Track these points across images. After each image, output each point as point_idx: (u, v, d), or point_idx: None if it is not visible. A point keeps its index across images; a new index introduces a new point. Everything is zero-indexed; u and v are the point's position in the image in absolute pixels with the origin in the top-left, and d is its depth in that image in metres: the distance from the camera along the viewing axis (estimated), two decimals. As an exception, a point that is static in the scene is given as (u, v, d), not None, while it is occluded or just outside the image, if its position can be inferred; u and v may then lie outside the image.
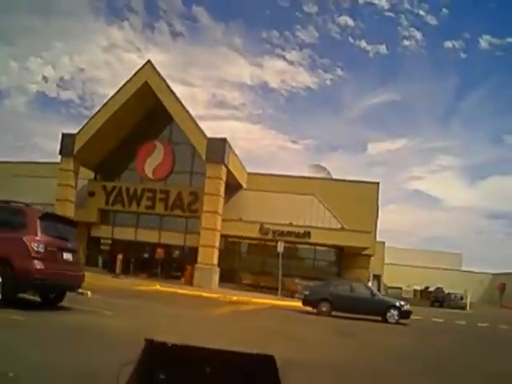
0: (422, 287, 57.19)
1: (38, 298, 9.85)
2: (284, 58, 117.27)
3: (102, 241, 30.83)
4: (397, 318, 17.11)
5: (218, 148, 27.16)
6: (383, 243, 55.65)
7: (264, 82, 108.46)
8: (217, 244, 27.15)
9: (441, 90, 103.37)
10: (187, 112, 28.72)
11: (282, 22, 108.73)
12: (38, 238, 8.18)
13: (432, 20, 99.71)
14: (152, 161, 30.55)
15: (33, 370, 4.66)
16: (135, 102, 29.16)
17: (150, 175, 30.52)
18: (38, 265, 8.04)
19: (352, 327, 14.57)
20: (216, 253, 27.07)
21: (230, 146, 28.17)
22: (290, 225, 28.62)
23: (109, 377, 2.04)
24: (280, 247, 24.78)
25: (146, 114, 30.47)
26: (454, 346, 12.44)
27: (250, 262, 30.51)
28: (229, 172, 28.43)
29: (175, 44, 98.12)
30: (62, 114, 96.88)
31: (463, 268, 73.74)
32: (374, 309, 17.49)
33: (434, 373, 7.53)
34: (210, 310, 15.19)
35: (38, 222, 8.36)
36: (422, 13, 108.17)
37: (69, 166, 28.99)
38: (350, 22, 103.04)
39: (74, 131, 29.43)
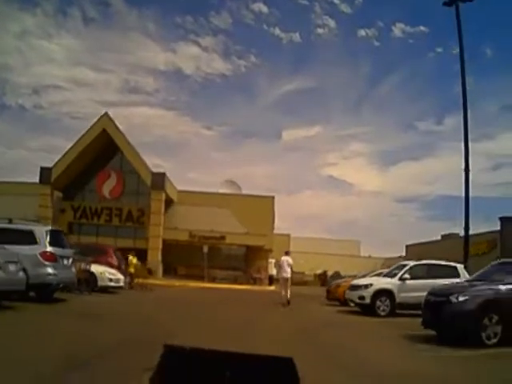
0: (321, 271, 71.64)
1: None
2: (198, 44, 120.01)
3: (70, 246, 43.51)
4: None
5: (159, 179, 40.75)
6: (288, 235, 70.50)
7: (178, 68, 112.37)
8: (160, 246, 40.82)
9: (354, 77, 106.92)
10: (136, 151, 42.00)
11: (196, 7, 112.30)
12: (114, 260, 21.70)
13: (346, 8, 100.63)
14: (108, 185, 43.39)
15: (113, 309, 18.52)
16: (96, 142, 41.80)
17: (107, 196, 43.41)
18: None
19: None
20: (160, 253, 40.73)
21: (167, 177, 41.79)
22: (211, 231, 42.57)
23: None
24: (205, 248, 38.98)
25: (103, 150, 43.13)
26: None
27: (183, 258, 44.07)
28: (166, 194, 42.06)
29: (87, 30, 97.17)
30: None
31: (362, 254, 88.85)
32: None
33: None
34: (166, 289, 28.97)
35: (113, 252, 21.90)
36: (336, 1, 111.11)
37: (47, 191, 41.23)
38: (264, 8, 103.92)
39: None
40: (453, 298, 9.68)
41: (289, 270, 19.93)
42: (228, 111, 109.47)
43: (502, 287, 9.83)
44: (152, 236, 40.57)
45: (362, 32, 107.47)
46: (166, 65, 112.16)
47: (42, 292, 13.61)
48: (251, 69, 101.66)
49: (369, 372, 6.99)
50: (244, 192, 50.22)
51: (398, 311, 15.84)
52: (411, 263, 16.51)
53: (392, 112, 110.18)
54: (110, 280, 18.78)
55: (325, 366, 7.42)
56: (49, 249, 13.24)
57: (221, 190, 48.74)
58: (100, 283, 18.31)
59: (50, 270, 13.15)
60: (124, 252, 42.73)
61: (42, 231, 13.49)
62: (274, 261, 53.07)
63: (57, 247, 13.68)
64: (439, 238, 57.25)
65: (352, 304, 19.16)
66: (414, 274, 15.82)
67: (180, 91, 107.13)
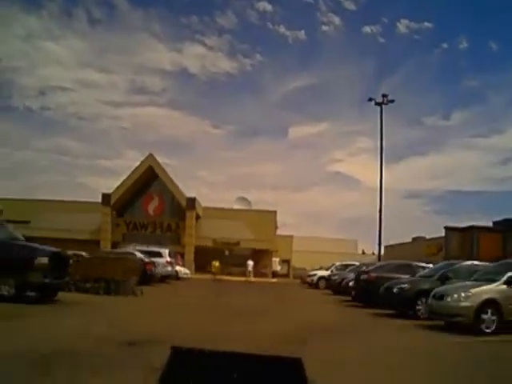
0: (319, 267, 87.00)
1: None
2: (204, 43, 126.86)
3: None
4: None
5: (191, 202, 58.36)
6: (291, 236, 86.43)
7: (184, 67, 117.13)
8: (193, 251, 58.41)
9: (359, 73, 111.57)
10: (174, 182, 59.69)
11: (202, 7, 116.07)
12: (180, 261, 39.18)
13: (350, 5, 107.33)
14: (152, 205, 61.05)
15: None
16: (143, 175, 59.45)
17: (151, 213, 61.06)
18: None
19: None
20: (192, 255, 58.34)
21: (197, 200, 59.45)
22: (229, 238, 59.99)
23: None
24: (226, 252, 56.65)
25: (148, 179, 60.74)
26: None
27: (210, 258, 61.36)
28: (196, 212, 59.75)
29: (93, 31, 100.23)
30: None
31: (359, 251, 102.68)
32: None
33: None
34: (201, 280, 46.51)
35: (180, 257, 39.42)
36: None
37: (107, 211, 58.79)
38: (269, 7, 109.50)
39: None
40: (332, 277, 27.36)
41: (250, 268, 45.15)
42: (235, 110, 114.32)
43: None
44: (187, 244, 58.28)
45: (367, 29, 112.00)
46: (172, 65, 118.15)
47: (163, 279, 31.20)
48: (257, 67, 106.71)
49: (294, 299, 24.52)
50: (253, 205, 67.96)
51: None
52: (337, 263, 34.13)
53: (399, 107, 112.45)
54: (185, 274, 36.42)
55: (275, 298, 25.16)
56: (168, 259, 30.93)
57: (235, 206, 66.40)
58: (180, 275, 35.87)
59: (169, 269, 30.84)
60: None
61: (165, 251, 31.19)
62: (277, 260, 70.93)
63: (170, 258, 31.42)
64: (410, 240, 73.77)
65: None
66: (338, 269, 33.22)
67: (187, 91, 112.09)
